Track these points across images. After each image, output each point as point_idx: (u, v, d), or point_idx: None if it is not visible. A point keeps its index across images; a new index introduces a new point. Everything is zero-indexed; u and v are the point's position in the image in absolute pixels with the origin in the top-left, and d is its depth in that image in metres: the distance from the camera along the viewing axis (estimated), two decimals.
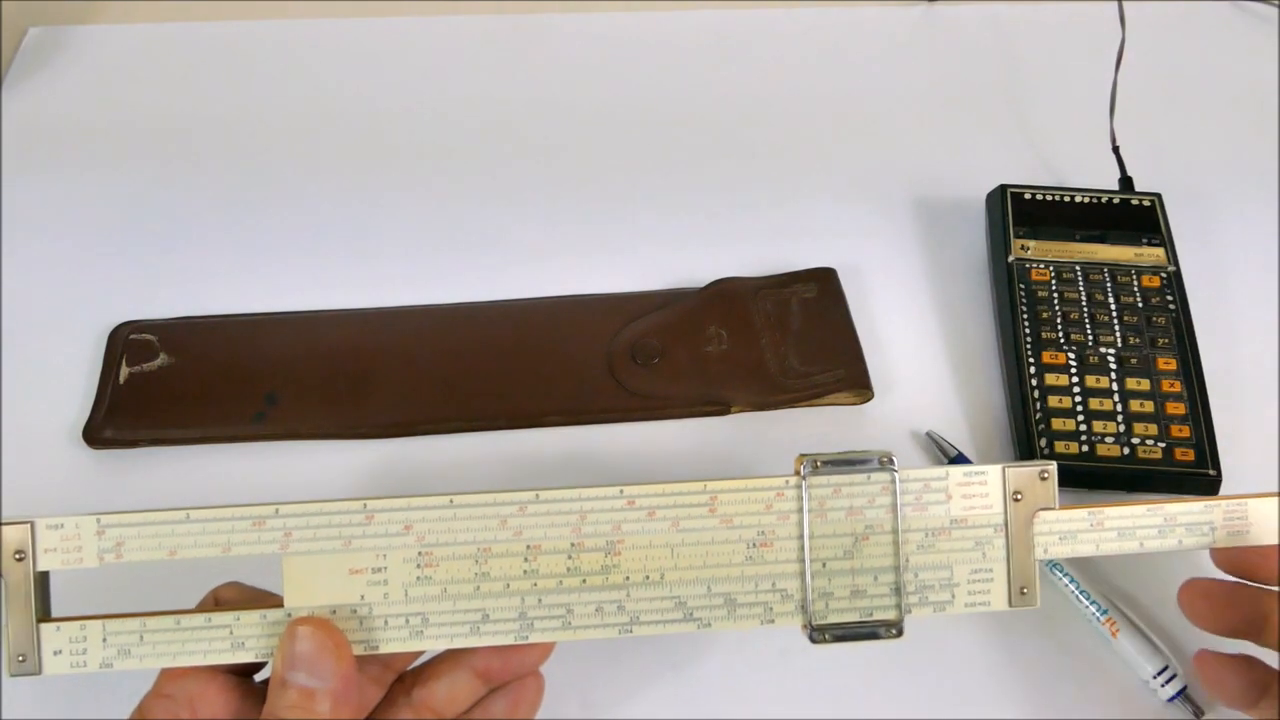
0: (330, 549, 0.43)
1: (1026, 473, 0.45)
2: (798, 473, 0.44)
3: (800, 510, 0.44)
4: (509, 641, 0.43)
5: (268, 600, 0.45)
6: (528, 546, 0.43)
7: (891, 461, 0.44)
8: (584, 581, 0.43)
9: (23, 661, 0.43)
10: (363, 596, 0.43)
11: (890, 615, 0.44)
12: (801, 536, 0.44)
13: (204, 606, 0.45)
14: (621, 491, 0.44)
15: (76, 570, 0.43)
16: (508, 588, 0.43)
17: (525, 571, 0.43)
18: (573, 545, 0.43)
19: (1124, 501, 0.45)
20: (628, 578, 0.44)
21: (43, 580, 0.43)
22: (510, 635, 0.43)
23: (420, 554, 0.43)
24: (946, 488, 0.45)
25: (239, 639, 0.43)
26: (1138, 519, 0.45)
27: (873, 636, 0.45)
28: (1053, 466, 0.45)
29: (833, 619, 0.44)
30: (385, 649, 0.43)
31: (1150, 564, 0.58)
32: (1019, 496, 0.45)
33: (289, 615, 0.43)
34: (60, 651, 0.43)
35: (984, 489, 0.45)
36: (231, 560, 0.43)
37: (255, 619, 0.43)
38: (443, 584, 0.43)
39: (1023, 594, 0.45)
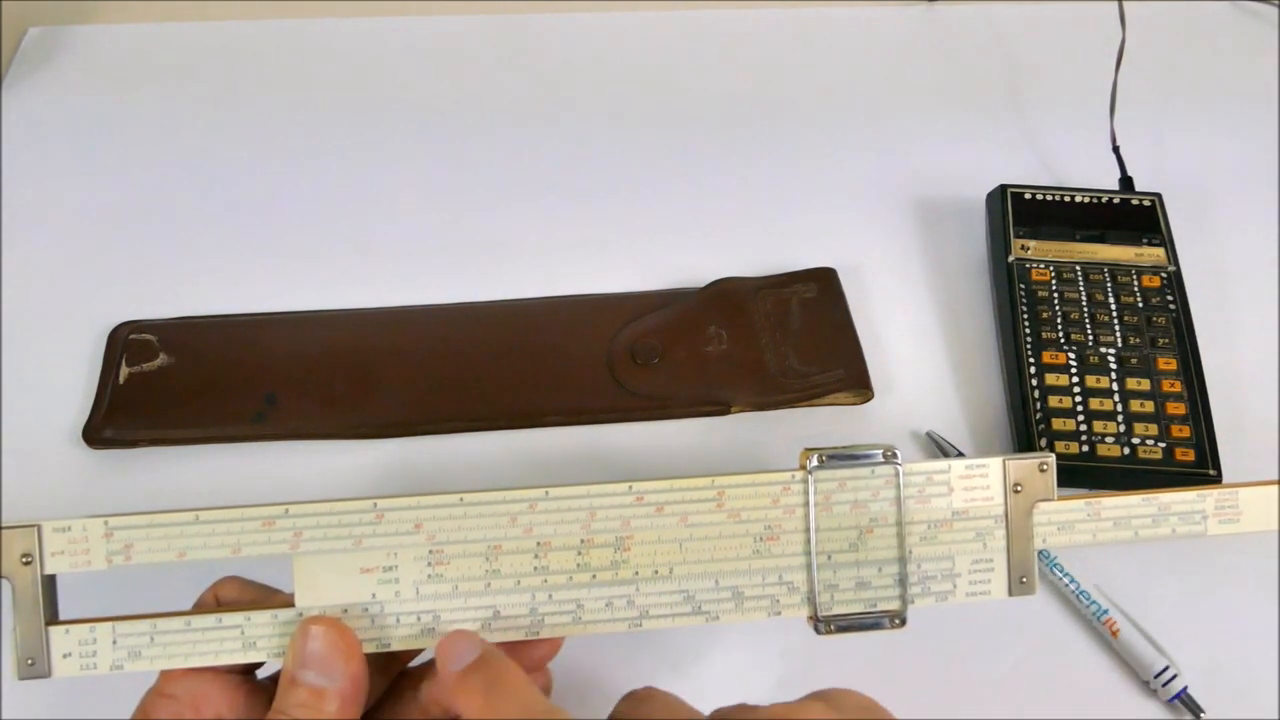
0: (341, 548, 0.43)
1: (1026, 465, 0.45)
2: (803, 467, 0.44)
3: (806, 504, 0.44)
4: (520, 637, 0.44)
5: (270, 596, 0.45)
6: (538, 543, 0.43)
7: (895, 455, 0.45)
8: (594, 577, 0.43)
9: (31, 665, 0.42)
10: (374, 595, 0.43)
11: (894, 606, 0.45)
12: (807, 530, 0.44)
13: (203, 603, 0.45)
14: (630, 488, 0.44)
15: (82, 572, 0.43)
16: (518, 584, 0.43)
17: (536, 568, 0.43)
18: (582, 541, 0.43)
19: (1119, 492, 0.46)
20: (637, 572, 0.44)
21: (50, 583, 0.43)
22: (521, 631, 0.43)
23: (431, 552, 0.43)
24: (949, 480, 0.45)
25: (250, 639, 0.43)
26: (1132, 509, 0.46)
27: (877, 627, 0.45)
28: (1051, 458, 0.45)
29: (838, 610, 0.45)
30: (397, 646, 0.43)
31: (1150, 563, 0.58)
32: (1019, 488, 0.45)
33: (300, 615, 0.43)
34: (70, 654, 0.42)
35: (985, 481, 0.45)
36: (241, 561, 0.43)
37: (267, 619, 0.43)
38: (454, 581, 0.43)
39: (1022, 583, 0.45)
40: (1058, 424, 0.61)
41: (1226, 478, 0.59)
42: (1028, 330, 0.64)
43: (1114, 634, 0.55)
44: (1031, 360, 0.63)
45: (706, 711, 0.43)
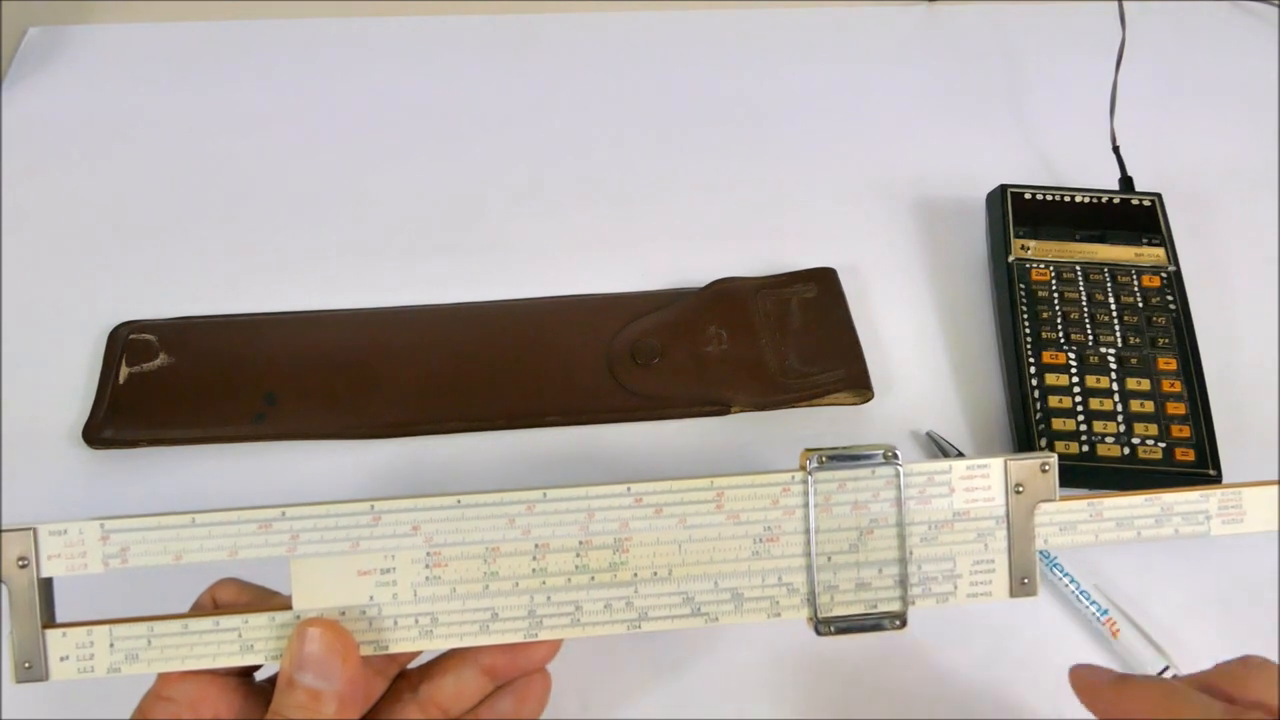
0: (338, 551, 0.43)
1: (1028, 465, 0.45)
2: (803, 468, 0.44)
3: (806, 505, 0.44)
4: (518, 639, 0.44)
5: (268, 598, 0.45)
6: (536, 545, 0.43)
7: (895, 455, 0.45)
8: (592, 579, 0.43)
9: (29, 668, 0.42)
10: (371, 597, 0.43)
11: (895, 607, 0.45)
12: (807, 531, 0.44)
13: (201, 606, 0.45)
14: (629, 489, 0.44)
15: (79, 575, 0.43)
16: (516, 586, 0.43)
17: (534, 570, 0.43)
18: (581, 543, 0.43)
19: (1122, 492, 0.45)
20: (635, 574, 0.44)
21: (46, 587, 0.43)
22: (519, 633, 0.43)
23: (429, 554, 0.43)
24: (950, 481, 0.45)
25: (248, 641, 0.43)
26: (1135, 509, 0.45)
27: (878, 628, 0.45)
28: (1053, 459, 0.45)
29: (838, 611, 0.45)
30: (395, 649, 0.43)
31: (1151, 563, 0.58)
32: (1020, 489, 0.45)
33: (297, 618, 0.43)
34: (67, 657, 0.42)
35: (986, 481, 0.45)
36: (238, 564, 0.43)
37: (264, 621, 0.43)
38: (452, 584, 0.43)
39: (1023, 584, 0.45)
40: (1058, 424, 0.60)
41: (1226, 478, 0.59)
42: (1028, 330, 0.64)
43: (1114, 634, 0.55)
44: (1031, 360, 0.63)
45: None
